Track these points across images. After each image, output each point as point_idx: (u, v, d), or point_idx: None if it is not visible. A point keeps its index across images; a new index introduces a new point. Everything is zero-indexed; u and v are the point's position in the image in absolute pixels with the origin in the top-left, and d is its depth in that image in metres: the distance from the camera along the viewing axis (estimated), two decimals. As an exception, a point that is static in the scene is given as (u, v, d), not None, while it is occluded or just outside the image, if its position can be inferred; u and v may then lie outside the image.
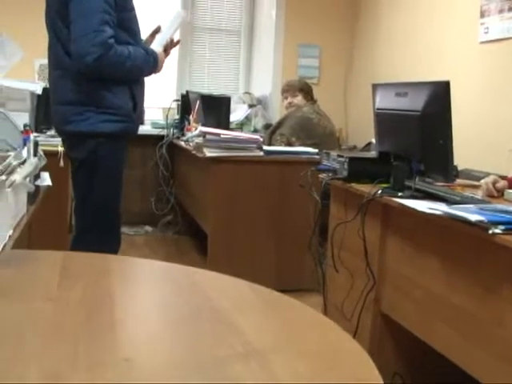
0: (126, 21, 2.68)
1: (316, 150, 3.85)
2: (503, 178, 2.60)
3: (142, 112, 2.88)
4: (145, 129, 5.42)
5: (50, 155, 2.84)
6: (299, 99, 4.82)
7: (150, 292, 1.26)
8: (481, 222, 1.74)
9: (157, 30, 2.94)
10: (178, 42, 2.98)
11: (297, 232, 3.72)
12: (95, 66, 2.53)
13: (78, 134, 2.69)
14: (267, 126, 5.36)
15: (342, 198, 2.76)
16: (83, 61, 2.53)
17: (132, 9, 2.75)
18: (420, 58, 4.68)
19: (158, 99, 5.94)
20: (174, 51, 5.80)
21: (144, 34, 2.93)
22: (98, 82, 2.64)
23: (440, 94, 2.17)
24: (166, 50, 2.91)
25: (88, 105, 2.65)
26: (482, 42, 3.96)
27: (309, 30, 5.73)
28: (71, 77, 2.64)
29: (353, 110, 5.71)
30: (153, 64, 2.79)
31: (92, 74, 2.60)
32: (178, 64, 5.99)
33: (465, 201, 2.12)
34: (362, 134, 5.21)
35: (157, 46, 2.87)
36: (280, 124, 4.77)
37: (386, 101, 2.54)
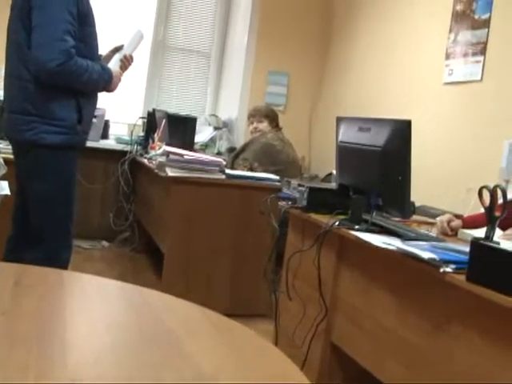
0: (85, 35, 2.74)
1: (278, 178, 3.88)
2: (459, 216, 2.66)
3: (88, 125, 2.90)
4: (108, 143, 5.41)
5: (12, 163, 2.83)
6: (265, 125, 4.86)
7: (101, 310, 1.26)
8: (433, 259, 1.77)
9: (118, 48, 3.00)
10: (132, 58, 3.02)
11: (253, 257, 3.73)
12: (55, 72, 2.58)
13: (23, 142, 2.73)
14: (231, 150, 5.39)
15: (299, 227, 2.79)
16: (45, 67, 2.57)
17: (93, 25, 2.81)
18: (387, 94, 4.77)
19: (125, 115, 5.93)
20: (144, 68, 5.86)
21: (105, 50, 2.97)
22: (46, 93, 2.68)
23: (401, 131, 2.21)
24: (124, 65, 2.95)
25: (34, 115, 2.68)
26: (446, 83, 4.06)
27: (279, 58, 5.80)
28: (24, 86, 2.68)
29: (317, 139, 5.77)
30: (107, 81, 2.85)
31: (50, 81, 2.64)
32: (146, 81, 5.99)
33: (419, 237, 2.16)
34: (324, 163, 5.27)
35: (114, 64, 2.93)
36: (244, 148, 4.80)
37: (349, 134, 2.58)
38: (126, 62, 2.98)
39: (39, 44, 2.57)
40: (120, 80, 2.95)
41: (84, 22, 2.71)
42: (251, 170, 4.50)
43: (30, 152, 2.71)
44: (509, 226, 2.35)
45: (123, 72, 2.97)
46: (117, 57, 2.97)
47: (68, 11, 2.59)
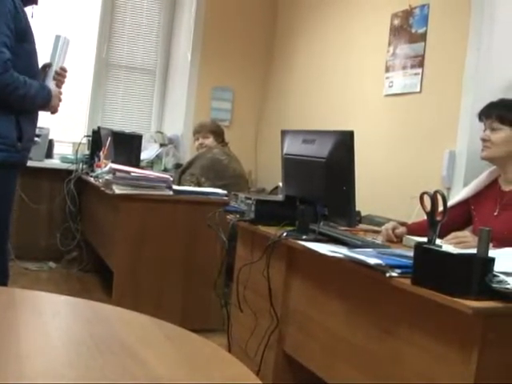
0: (24, 53, 2.68)
1: (225, 192, 3.90)
2: (403, 224, 2.73)
3: (29, 144, 2.85)
4: (53, 163, 5.36)
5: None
6: (210, 141, 4.88)
7: (55, 325, 1.26)
8: (379, 265, 1.82)
9: (47, 65, 2.92)
10: (65, 70, 2.95)
11: (204, 272, 3.74)
12: None
13: None
14: (178, 166, 5.39)
15: (248, 240, 2.81)
16: None
17: (32, 41, 2.75)
18: (330, 107, 4.86)
19: (69, 134, 5.88)
20: (87, 86, 5.82)
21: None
22: None
23: (344, 142, 2.27)
24: (59, 81, 2.90)
25: None
26: (387, 95, 4.16)
27: (223, 74, 5.84)
28: None
29: (263, 153, 5.83)
30: (45, 98, 2.79)
31: None
32: (90, 99, 5.95)
33: (365, 245, 2.21)
34: (271, 177, 5.32)
35: (48, 80, 2.86)
36: (190, 164, 4.81)
37: (294, 147, 2.63)
38: (61, 77, 2.91)
39: None
40: (60, 99, 2.89)
41: (22, 39, 2.66)
42: (198, 185, 4.51)
43: None
44: (448, 232, 2.43)
45: (61, 87, 2.92)
46: (50, 74, 2.88)
47: (6, 25, 2.55)
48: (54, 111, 2.88)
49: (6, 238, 2.78)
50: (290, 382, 2.57)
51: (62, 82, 2.92)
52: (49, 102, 2.81)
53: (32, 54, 2.76)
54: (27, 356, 1.03)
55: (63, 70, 2.92)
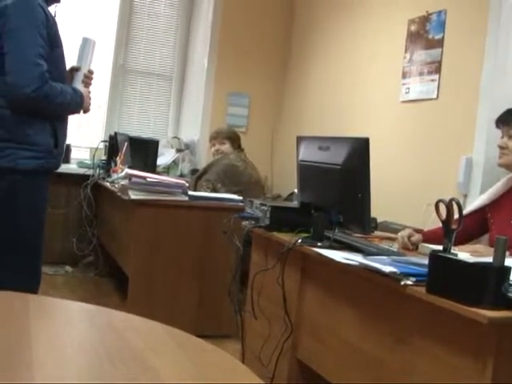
0: (55, 58, 2.72)
1: (240, 198, 3.90)
2: (419, 231, 2.71)
3: (63, 149, 2.88)
4: (70, 168, 5.38)
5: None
6: (226, 147, 4.89)
7: (66, 332, 1.26)
8: (393, 273, 1.81)
9: (76, 68, 2.94)
10: (92, 72, 2.97)
11: (218, 278, 3.73)
12: (32, 98, 2.56)
13: None
14: (194, 172, 5.40)
15: (263, 246, 2.81)
16: (22, 92, 2.55)
17: (61, 45, 2.79)
18: (345, 112, 4.85)
19: (86, 139, 5.91)
20: (105, 92, 5.85)
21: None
22: (20, 118, 2.65)
23: (360, 149, 2.26)
24: (87, 83, 2.94)
25: (9, 140, 2.64)
26: (403, 102, 4.14)
27: (239, 80, 5.85)
28: None
29: (279, 159, 5.82)
30: (79, 103, 2.84)
31: (27, 106, 2.61)
32: (107, 105, 5.99)
33: (380, 252, 2.20)
34: (286, 183, 5.31)
35: (77, 83, 2.89)
36: (206, 170, 4.82)
37: (309, 153, 2.62)
38: (89, 80, 2.95)
39: (13, 70, 2.56)
40: (90, 98, 2.93)
41: (53, 45, 2.69)
42: (214, 191, 4.52)
43: (3, 179, 2.64)
44: (465, 239, 2.41)
45: (89, 89, 2.96)
46: (79, 77, 2.91)
47: (39, 34, 2.59)
48: (86, 111, 2.93)
49: (40, 244, 2.81)
50: (304, 389, 2.56)
51: (90, 84, 2.97)
52: (82, 106, 2.86)
53: (62, 58, 2.80)
54: (38, 363, 1.03)
55: (90, 72, 2.96)
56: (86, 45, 2.98)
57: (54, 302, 1.43)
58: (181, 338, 1.21)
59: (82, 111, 2.92)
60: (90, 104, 2.94)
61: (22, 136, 2.65)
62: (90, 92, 2.95)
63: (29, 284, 2.69)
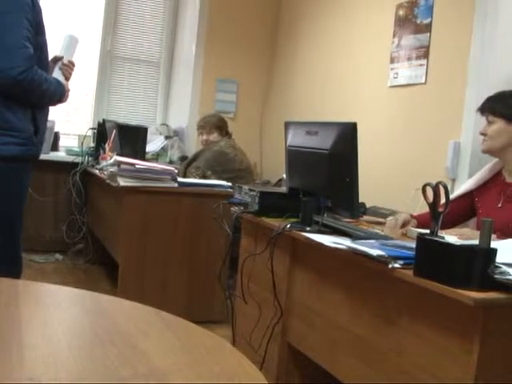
0: (39, 45, 2.70)
1: (229, 184, 3.91)
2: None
3: (43, 138, 2.87)
4: (59, 155, 5.37)
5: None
6: (215, 136, 4.90)
7: (57, 316, 1.27)
8: (381, 256, 1.82)
9: (58, 58, 2.93)
10: (73, 64, 2.97)
11: (208, 263, 3.75)
12: (19, 80, 2.54)
13: None
14: (183, 158, 5.40)
15: (252, 231, 2.82)
16: (9, 73, 2.53)
17: (44, 33, 2.76)
18: (334, 98, 4.85)
19: (74, 126, 5.89)
20: (92, 79, 5.83)
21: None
22: (3, 103, 2.62)
23: (348, 134, 2.26)
24: (66, 71, 2.92)
25: None
26: (392, 86, 4.15)
27: (227, 65, 5.84)
28: None
29: (268, 145, 5.83)
30: (61, 93, 2.83)
31: (11, 90, 2.59)
32: (95, 92, 5.96)
33: (368, 236, 2.21)
34: (276, 169, 5.32)
35: (58, 74, 2.88)
36: (196, 157, 4.82)
37: (297, 138, 2.63)
38: (69, 69, 2.93)
39: (1, 51, 2.53)
40: (69, 89, 2.93)
41: (37, 31, 2.67)
42: (204, 178, 4.52)
43: None
44: (452, 223, 2.43)
45: (68, 80, 2.94)
46: (58, 67, 2.90)
47: (26, 18, 2.57)
48: (63, 101, 2.91)
49: (19, 230, 2.81)
50: (294, 372, 2.58)
51: (70, 74, 2.94)
52: (63, 98, 2.86)
53: (45, 46, 2.78)
54: (29, 346, 1.04)
55: (71, 63, 2.94)
56: (71, 40, 2.99)
57: (43, 287, 1.44)
58: (170, 321, 1.22)
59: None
60: (68, 95, 2.92)
61: (2, 122, 2.64)
62: (68, 84, 2.93)
63: (10, 271, 2.69)
